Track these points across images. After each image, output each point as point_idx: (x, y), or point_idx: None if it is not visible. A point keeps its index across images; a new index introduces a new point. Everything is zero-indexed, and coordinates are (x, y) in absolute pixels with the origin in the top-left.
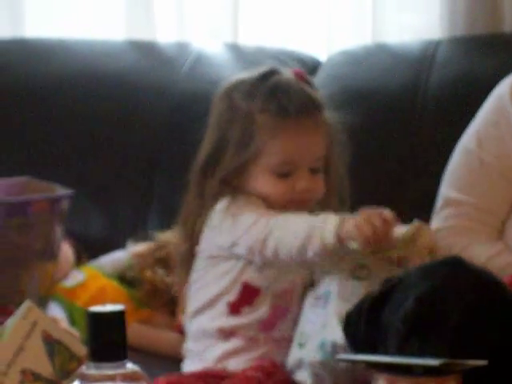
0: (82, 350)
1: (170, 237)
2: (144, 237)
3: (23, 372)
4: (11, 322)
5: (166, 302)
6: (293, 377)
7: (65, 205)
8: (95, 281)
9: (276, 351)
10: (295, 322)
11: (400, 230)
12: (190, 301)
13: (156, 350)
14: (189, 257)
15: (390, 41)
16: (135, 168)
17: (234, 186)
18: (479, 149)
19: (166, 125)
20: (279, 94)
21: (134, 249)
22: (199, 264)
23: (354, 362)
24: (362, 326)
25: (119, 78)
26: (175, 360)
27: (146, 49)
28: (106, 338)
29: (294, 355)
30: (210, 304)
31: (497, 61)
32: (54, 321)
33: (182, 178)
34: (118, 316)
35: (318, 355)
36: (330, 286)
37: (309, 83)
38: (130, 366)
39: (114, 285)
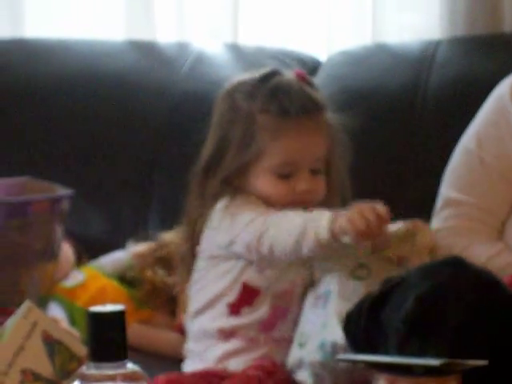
0: (82, 350)
1: (172, 237)
2: (144, 237)
3: (23, 372)
4: (11, 322)
5: (166, 302)
6: (293, 376)
7: (65, 205)
8: (95, 281)
9: (276, 351)
10: (295, 323)
11: (396, 226)
12: (191, 301)
13: (156, 350)
14: (190, 257)
15: (389, 41)
16: (135, 168)
17: (234, 186)
18: (479, 149)
19: (166, 125)
20: (280, 94)
21: (134, 249)
22: (200, 264)
23: (354, 362)
24: (362, 326)
25: (119, 78)
26: (175, 360)
27: (146, 49)
28: (107, 338)
29: (295, 355)
30: (211, 304)
31: (497, 61)
32: (55, 321)
33: (182, 177)
34: (119, 316)
35: (318, 355)
36: (330, 285)
37: (310, 84)
38: (131, 366)
39: (114, 285)
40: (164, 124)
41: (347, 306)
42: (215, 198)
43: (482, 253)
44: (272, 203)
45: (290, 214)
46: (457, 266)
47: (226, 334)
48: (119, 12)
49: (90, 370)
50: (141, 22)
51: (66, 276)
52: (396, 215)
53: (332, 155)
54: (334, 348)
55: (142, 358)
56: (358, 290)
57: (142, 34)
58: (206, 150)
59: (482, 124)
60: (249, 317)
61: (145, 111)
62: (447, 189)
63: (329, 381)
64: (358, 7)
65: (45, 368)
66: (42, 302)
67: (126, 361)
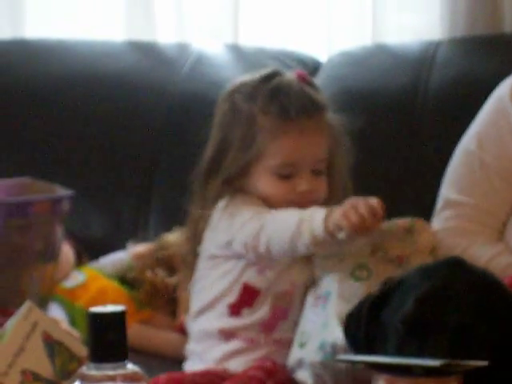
0: (82, 350)
1: (173, 238)
2: (144, 237)
3: (23, 372)
4: (12, 323)
5: (166, 303)
6: (294, 376)
7: (65, 205)
8: (96, 281)
9: (277, 352)
10: (296, 324)
11: (392, 222)
12: (193, 301)
13: (156, 351)
14: (192, 257)
15: (390, 41)
16: (135, 168)
17: (235, 187)
18: (479, 150)
19: (166, 125)
20: (280, 95)
21: (134, 249)
22: (201, 264)
23: (354, 363)
24: (362, 327)
25: (119, 79)
26: (176, 360)
27: (146, 49)
28: (107, 338)
29: (295, 355)
30: (211, 305)
31: (497, 61)
32: (55, 321)
33: (182, 178)
34: (119, 317)
35: (318, 356)
36: (330, 285)
37: (311, 84)
38: (131, 367)
39: (114, 285)
40: (164, 124)
41: (347, 307)
42: (216, 199)
43: (482, 254)
44: (273, 204)
45: (286, 213)
46: (457, 267)
47: (227, 335)
48: (119, 13)
49: (90, 370)
50: (141, 22)
51: (66, 276)
52: (396, 216)
53: (334, 156)
54: (334, 349)
55: (142, 358)
56: (358, 291)
57: (142, 35)
58: (208, 152)
59: (483, 125)
60: (249, 317)
61: (145, 112)
62: (447, 190)
63: (329, 381)
64: (358, 8)
65: (45, 368)
66: (43, 303)
67: (126, 361)
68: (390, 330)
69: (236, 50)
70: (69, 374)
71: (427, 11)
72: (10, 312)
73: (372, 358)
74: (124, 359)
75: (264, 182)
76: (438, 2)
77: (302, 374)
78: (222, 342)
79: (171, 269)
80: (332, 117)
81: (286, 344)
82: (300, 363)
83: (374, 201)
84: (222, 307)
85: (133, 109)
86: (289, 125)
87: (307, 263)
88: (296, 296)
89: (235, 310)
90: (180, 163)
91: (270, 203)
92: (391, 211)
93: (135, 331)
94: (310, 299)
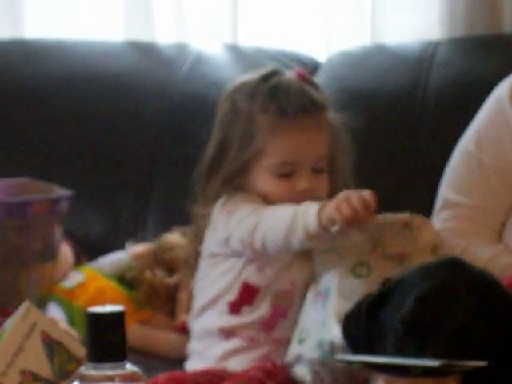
0: (81, 350)
1: (173, 238)
2: (143, 237)
3: (22, 372)
4: (10, 323)
5: (165, 303)
6: (292, 371)
7: (64, 206)
8: (94, 281)
9: (276, 352)
10: (296, 323)
11: (390, 216)
12: (195, 300)
13: (155, 351)
14: (194, 256)
15: (389, 41)
16: (134, 168)
17: (235, 185)
18: (478, 150)
19: (165, 125)
20: (279, 94)
21: (133, 250)
22: (202, 263)
23: (352, 363)
24: (361, 327)
25: (118, 79)
26: (175, 360)
27: (146, 50)
28: (106, 338)
29: (294, 350)
30: (212, 303)
31: (496, 62)
32: (54, 321)
33: (182, 178)
34: (118, 317)
35: (316, 353)
36: (330, 282)
37: (311, 83)
38: (129, 367)
39: (113, 285)
40: (163, 125)
41: (346, 305)
42: (217, 198)
43: (481, 254)
44: (273, 202)
45: (282, 208)
46: (456, 267)
47: (227, 333)
48: (118, 13)
49: (88, 370)
50: (140, 22)
51: (65, 276)
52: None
53: (335, 154)
54: (332, 347)
55: (141, 358)
56: (357, 289)
57: (141, 35)
58: (209, 151)
59: (481, 125)
60: (249, 316)
61: (144, 112)
62: (446, 190)
63: (327, 378)
64: (357, 8)
65: (44, 368)
66: (41, 303)
67: (124, 361)
68: (388, 330)
69: (235, 50)
70: (67, 374)
71: (426, 11)
72: (9, 312)
73: (371, 358)
74: (123, 359)
75: (264, 180)
76: (437, 2)
77: (300, 370)
78: (222, 340)
79: (170, 269)
80: (333, 115)
81: (286, 343)
82: (298, 359)
83: (366, 193)
84: (223, 305)
85: (132, 109)
86: (288, 123)
87: (307, 262)
88: (296, 295)
89: (235, 308)
90: (179, 163)
91: (270, 202)
92: (391, 211)
93: (134, 331)
94: (310, 295)
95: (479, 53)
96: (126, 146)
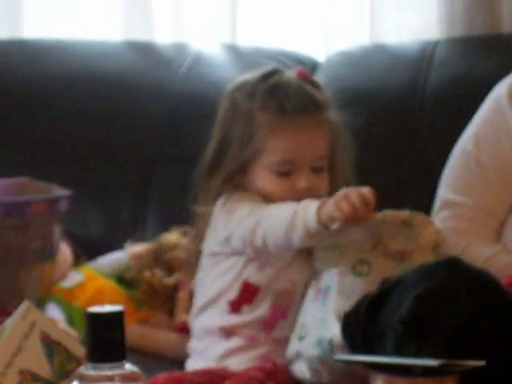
0: (80, 350)
1: (172, 238)
2: (142, 237)
3: (21, 372)
4: (10, 323)
5: (164, 302)
6: (291, 367)
7: (63, 205)
8: (93, 281)
9: (277, 351)
10: (296, 321)
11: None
12: (195, 298)
13: (154, 351)
14: (195, 255)
15: (388, 41)
16: (133, 168)
17: (236, 184)
18: (476, 150)
19: (164, 125)
20: (279, 92)
21: (132, 249)
22: (203, 262)
23: (352, 363)
24: (360, 327)
25: (117, 79)
26: (174, 360)
27: (144, 49)
28: (105, 338)
29: (293, 347)
30: (213, 302)
31: (495, 61)
32: (53, 321)
33: (181, 178)
34: (117, 316)
35: (315, 351)
36: (331, 280)
37: (312, 82)
38: (129, 367)
39: (112, 285)
40: (162, 124)
41: (346, 303)
42: (218, 197)
43: (480, 254)
44: (273, 201)
45: (281, 206)
46: (454, 267)
47: (227, 332)
48: (117, 13)
49: (88, 370)
50: (139, 22)
51: (64, 276)
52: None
53: (335, 153)
54: (331, 345)
55: (140, 358)
56: (357, 287)
57: (140, 35)
58: (209, 150)
59: (480, 125)
60: (249, 315)
61: (143, 112)
62: (445, 190)
63: (326, 376)
64: (356, 8)
65: (43, 368)
66: (41, 303)
67: (124, 361)
68: (388, 329)
69: (234, 50)
70: (67, 374)
71: (425, 11)
72: (8, 312)
73: (370, 357)
74: (122, 359)
75: (263, 179)
76: (436, 2)
77: (300, 366)
78: (222, 339)
79: (169, 269)
80: (333, 114)
81: (286, 343)
82: (298, 355)
83: (365, 190)
84: (223, 304)
85: (131, 109)
86: (287, 122)
87: (307, 261)
88: (296, 295)
89: (235, 306)
90: (178, 163)
91: (270, 200)
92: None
93: (133, 331)
94: (310, 292)
95: (478, 53)
96: (124, 146)
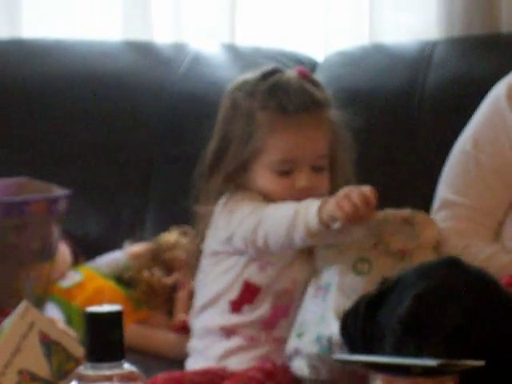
0: (79, 350)
1: (171, 238)
2: (141, 237)
3: (20, 372)
4: (8, 323)
5: (163, 302)
6: (290, 364)
7: (62, 205)
8: (92, 281)
9: (277, 351)
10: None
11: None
12: (196, 298)
13: (153, 351)
14: (196, 255)
15: (386, 41)
16: (133, 168)
17: (236, 183)
18: (475, 150)
19: (163, 125)
20: (279, 91)
21: (131, 249)
22: (204, 261)
23: (351, 363)
24: (359, 326)
25: (116, 79)
26: (173, 360)
27: (144, 49)
28: (103, 338)
29: (292, 343)
30: (213, 301)
31: (494, 61)
32: (51, 321)
33: (180, 178)
34: (116, 316)
35: (314, 348)
36: (331, 277)
37: (313, 82)
38: (127, 367)
39: (111, 285)
40: (162, 124)
41: (346, 302)
42: (218, 196)
43: (479, 253)
44: (273, 200)
45: (282, 206)
46: (454, 267)
47: (228, 332)
48: (116, 12)
49: (86, 370)
50: (138, 22)
51: (62, 276)
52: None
53: (336, 152)
54: (330, 343)
55: (139, 358)
56: (357, 286)
57: (139, 35)
58: (210, 149)
59: (479, 125)
60: (250, 314)
61: (142, 111)
62: (444, 190)
63: (325, 373)
64: (355, 7)
65: (42, 368)
66: (39, 303)
67: (122, 361)
68: (386, 329)
69: (233, 50)
70: (65, 374)
71: (424, 11)
72: (7, 312)
73: (369, 357)
74: (121, 359)
75: (264, 178)
76: (435, 2)
77: (299, 363)
78: (223, 338)
79: (168, 268)
80: (334, 113)
81: (286, 343)
82: (297, 352)
83: (366, 189)
84: (224, 304)
85: (130, 108)
86: (287, 120)
87: (308, 260)
88: (296, 294)
89: (236, 306)
90: (177, 163)
91: (270, 200)
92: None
93: (132, 331)
94: (310, 290)
95: (477, 53)
96: (124, 146)
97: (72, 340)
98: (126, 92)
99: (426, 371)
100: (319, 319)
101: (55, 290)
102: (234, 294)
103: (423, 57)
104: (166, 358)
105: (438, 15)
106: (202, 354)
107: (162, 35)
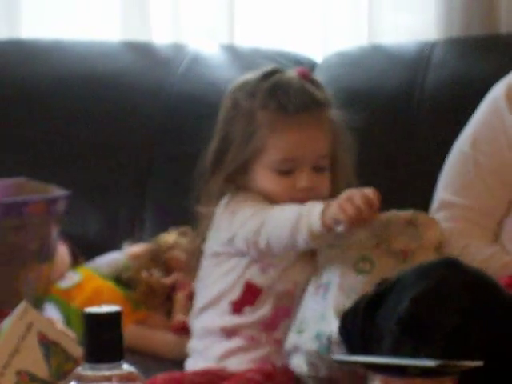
0: (77, 350)
1: (170, 238)
2: (140, 237)
3: (19, 373)
4: (7, 323)
5: (162, 303)
6: (289, 360)
7: (61, 206)
8: (91, 282)
9: (277, 352)
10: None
11: (394, 213)
12: (196, 299)
13: (152, 351)
14: (197, 255)
15: (385, 42)
16: (131, 169)
17: (237, 184)
18: (474, 150)
19: (162, 125)
20: (279, 91)
21: (129, 250)
22: (205, 262)
23: (350, 363)
24: (357, 327)
25: (115, 79)
26: (172, 361)
27: (142, 50)
28: (102, 339)
29: (292, 340)
30: (214, 302)
31: (492, 62)
32: (50, 322)
33: (179, 178)
34: (114, 317)
35: (314, 345)
36: (332, 276)
37: (313, 82)
38: (126, 367)
39: (109, 286)
40: (160, 125)
41: (346, 300)
42: (220, 197)
43: (478, 254)
44: (274, 200)
45: (285, 208)
46: (452, 268)
47: (229, 333)
48: (115, 13)
49: (85, 370)
50: (137, 22)
51: (61, 277)
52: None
53: (337, 153)
54: (329, 341)
55: (138, 359)
56: (358, 285)
57: (137, 35)
58: (211, 149)
59: (477, 126)
60: (251, 316)
61: (141, 112)
62: (442, 191)
63: (324, 370)
64: (354, 8)
65: (40, 369)
66: (38, 303)
67: (121, 362)
68: (385, 330)
69: (232, 51)
70: (64, 375)
71: (423, 11)
72: (6, 312)
73: (368, 358)
74: (120, 359)
75: (264, 178)
76: (434, 3)
77: (298, 360)
78: (223, 339)
79: (167, 269)
80: (334, 113)
81: None
82: (296, 349)
83: (369, 191)
84: (225, 305)
85: (129, 109)
86: (288, 120)
87: (309, 262)
88: (297, 295)
89: (237, 307)
90: (176, 163)
91: (271, 199)
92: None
93: (131, 331)
94: (310, 288)
95: (476, 53)
96: (122, 146)
97: (71, 341)
98: (124, 92)
99: (425, 372)
100: (319, 317)
101: (54, 291)
102: (235, 294)
103: (422, 57)
104: (164, 359)
105: (436, 16)
106: (202, 355)
107: (160, 36)
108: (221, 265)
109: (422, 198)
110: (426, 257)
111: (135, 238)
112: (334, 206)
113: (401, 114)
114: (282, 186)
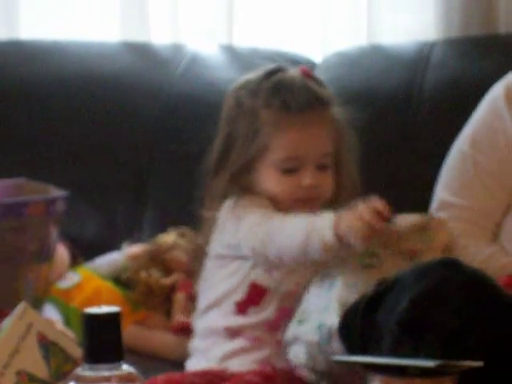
0: (77, 351)
1: (168, 239)
2: (139, 238)
3: (18, 373)
4: (6, 324)
5: (161, 303)
6: (287, 351)
7: (60, 206)
8: (90, 282)
9: (279, 354)
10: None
11: (408, 219)
12: (199, 299)
13: (152, 352)
14: (200, 257)
15: (384, 42)
16: (130, 169)
17: (242, 184)
18: (473, 151)
19: (160, 126)
20: (282, 90)
21: (129, 250)
22: (209, 264)
23: (349, 363)
24: (357, 327)
25: (114, 80)
26: (171, 361)
27: (141, 50)
28: (102, 339)
29: (292, 330)
30: (218, 303)
31: (492, 62)
32: (50, 322)
33: (177, 179)
34: (114, 317)
35: (315, 336)
36: (338, 268)
37: (316, 80)
38: (126, 368)
39: (109, 286)
40: (159, 125)
41: (350, 294)
42: (223, 197)
43: (477, 254)
44: (278, 200)
45: (293, 219)
46: (451, 268)
47: (232, 333)
48: (114, 13)
49: (85, 371)
50: (136, 23)
51: (61, 277)
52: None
53: (340, 151)
54: (330, 334)
55: (138, 359)
56: (363, 280)
57: (136, 36)
58: (214, 149)
59: (477, 126)
60: (255, 316)
61: (140, 112)
62: (442, 191)
63: (323, 363)
64: (353, 8)
65: (40, 369)
66: (37, 304)
67: (121, 362)
68: (384, 330)
69: (230, 51)
70: (64, 375)
71: (422, 12)
72: (5, 313)
73: (367, 358)
74: (119, 360)
75: (268, 177)
76: (433, 3)
77: (296, 350)
78: (226, 339)
79: (166, 269)
80: (337, 111)
81: None
82: (295, 339)
83: (378, 204)
84: (229, 305)
85: (128, 109)
86: (291, 119)
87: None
88: (300, 295)
89: (242, 308)
90: (175, 164)
91: (276, 200)
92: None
93: (130, 332)
94: (316, 279)
95: (475, 53)
96: (121, 147)
97: (70, 341)
98: (123, 93)
99: (425, 372)
100: (323, 308)
101: (53, 291)
102: (239, 295)
103: (421, 57)
104: (164, 359)
105: (435, 16)
106: (204, 354)
107: (159, 36)
108: (225, 266)
109: (421, 198)
110: (433, 258)
111: (134, 239)
112: (345, 223)
113: (400, 114)
114: (286, 185)
